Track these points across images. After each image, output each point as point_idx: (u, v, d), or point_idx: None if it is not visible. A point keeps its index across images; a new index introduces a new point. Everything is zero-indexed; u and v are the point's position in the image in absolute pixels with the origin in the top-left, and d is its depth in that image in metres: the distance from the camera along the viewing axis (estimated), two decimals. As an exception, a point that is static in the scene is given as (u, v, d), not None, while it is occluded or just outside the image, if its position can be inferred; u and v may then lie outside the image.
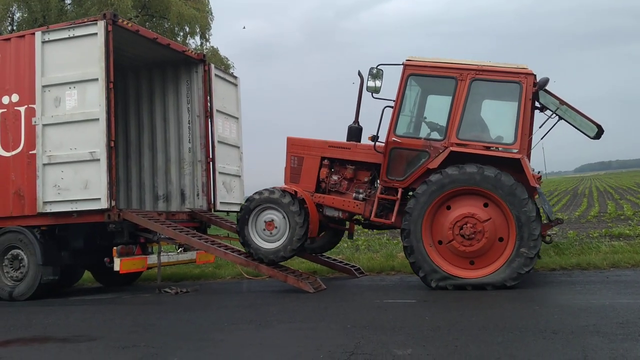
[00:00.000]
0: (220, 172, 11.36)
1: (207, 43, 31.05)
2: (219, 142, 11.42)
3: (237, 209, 10.58)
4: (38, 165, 9.51)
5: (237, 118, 12.17)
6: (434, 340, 5.20)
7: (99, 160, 9.19)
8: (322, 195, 9.28)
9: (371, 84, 8.69)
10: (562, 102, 8.53)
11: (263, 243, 9.01)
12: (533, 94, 8.26)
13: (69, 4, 27.49)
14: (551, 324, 5.51)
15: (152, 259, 9.89)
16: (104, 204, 9.17)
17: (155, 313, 8.06)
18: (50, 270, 9.71)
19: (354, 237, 11.14)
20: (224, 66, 29.74)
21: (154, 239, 9.87)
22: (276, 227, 8.94)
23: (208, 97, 11.50)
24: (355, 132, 9.32)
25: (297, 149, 9.57)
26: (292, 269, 9.41)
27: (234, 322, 6.78)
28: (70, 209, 9.42)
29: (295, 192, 8.97)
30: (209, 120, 11.42)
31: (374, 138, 8.78)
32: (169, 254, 10.67)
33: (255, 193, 9.25)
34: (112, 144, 9.26)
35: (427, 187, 8.13)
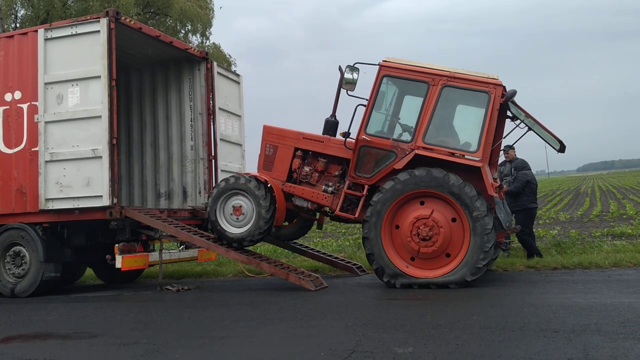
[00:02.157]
0: (222, 170, 11.39)
1: (208, 40, 31.08)
2: (221, 139, 11.44)
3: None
4: (40, 162, 9.54)
5: (239, 116, 12.18)
6: (435, 338, 5.19)
7: (101, 157, 9.21)
8: (293, 185, 9.46)
9: (348, 78, 8.80)
10: (527, 115, 8.73)
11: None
12: (502, 104, 8.46)
13: (72, 2, 27.50)
14: (552, 323, 5.50)
15: (154, 257, 9.91)
16: (105, 202, 9.19)
17: (157, 310, 8.06)
18: (52, 267, 9.74)
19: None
20: (226, 63, 29.74)
21: (156, 237, 9.88)
22: (243, 213, 9.19)
23: (210, 95, 11.51)
24: (331, 126, 9.46)
25: (272, 138, 9.75)
26: (293, 267, 9.42)
27: (235, 320, 6.78)
28: (72, 206, 9.44)
29: (263, 179, 9.18)
30: (212, 118, 11.44)
31: (345, 134, 9.02)
32: (171, 251, 10.68)
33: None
34: (115, 141, 9.28)
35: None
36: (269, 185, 9.22)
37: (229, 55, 32.08)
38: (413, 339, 5.20)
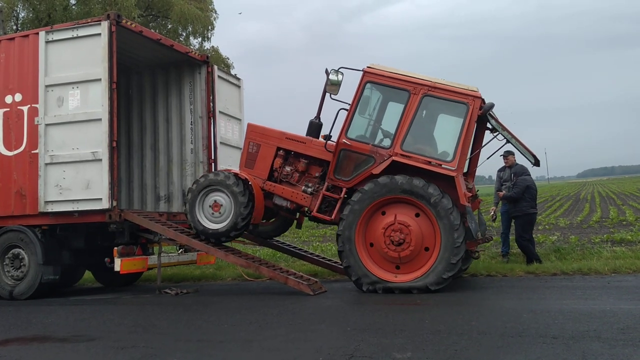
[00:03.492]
0: (222, 174, 11.36)
1: (208, 42, 31.12)
2: (221, 143, 11.45)
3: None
4: (40, 164, 9.54)
5: (239, 119, 12.20)
6: (433, 344, 5.19)
7: (101, 160, 9.21)
8: (273, 184, 9.54)
9: (333, 79, 8.87)
10: (504, 129, 8.87)
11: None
12: (479, 116, 8.63)
13: (74, 4, 27.57)
14: (551, 329, 5.49)
15: (153, 260, 9.91)
16: (105, 204, 9.19)
17: (155, 314, 8.06)
18: (50, 270, 9.74)
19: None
20: (225, 66, 29.76)
21: (155, 240, 9.89)
22: (222, 208, 9.25)
23: (211, 99, 11.52)
24: (315, 127, 9.54)
25: (255, 136, 9.84)
26: (292, 271, 9.41)
27: (233, 324, 6.78)
28: (71, 209, 9.44)
29: (243, 176, 9.28)
30: (212, 121, 11.44)
31: (327, 137, 9.14)
32: (170, 254, 10.68)
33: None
34: (115, 144, 9.28)
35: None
36: (248, 182, 9.29)
37: (227, 58, 32.13)
38: (412, 344, 5.19)
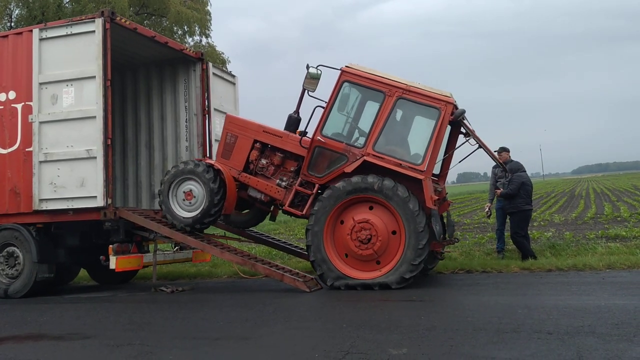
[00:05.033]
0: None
1: (205, 39, 31.06)
2: (216, 140, 11.41)
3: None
4: (34, 162, 9.50)
5: (234, 117, 12.15)
6: (429, 339, 5.19)
7: (95, 158, 9.19)
8: (248, 176, 9.63)
9: (313, 73, 8.97)
10: (474, 135, 9.03)
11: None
12: (451, 121, 8.81)
13: (67, 2, 27.45)
14: (546, 325, 5.51)
15: (148, 258, 9.90)
16: (100, 202, 9.17)
17: (151, 311, 8.04)
18: (45, 268, 9.71)
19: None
20: (221, 63, 29.71)
21: (150, 237, 9.86)
22: (194, 197, 9.37)
23: (206, 96, 11.49)
24: (293, 121, 9.62)
25: (233, 127, 9.90)
26: (288, 268, 9.41)
27: (229, 321, 6.77)
28: (66, 207, 9.41)
29: (217, 166, 9.38)
30: (207, 118, 11.42)
31: (302, 133, 9.28)
32: (165, 252, 10.67)
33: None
34: (109, 141, 9.25)
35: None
36: (219, 171, 9.36)
37: (222, 53, 32.06)
38: (407, 340, 5.20)
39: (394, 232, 8.52)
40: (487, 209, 12.13)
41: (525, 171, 11.10)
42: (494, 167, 11.48)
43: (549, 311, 6.18)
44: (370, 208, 8.65)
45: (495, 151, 11.30)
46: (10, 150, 9.82)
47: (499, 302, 7.13)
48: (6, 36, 10.16)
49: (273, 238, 11.57)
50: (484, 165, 9.86)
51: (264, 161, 9.58)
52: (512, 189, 10.66)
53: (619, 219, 17.69)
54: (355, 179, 8.60)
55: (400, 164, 8.61)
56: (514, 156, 11.37)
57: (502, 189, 10.94)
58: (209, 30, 30.93)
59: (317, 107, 9.18)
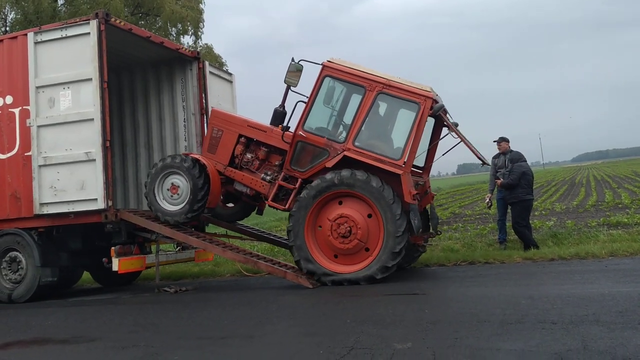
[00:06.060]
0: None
1: (200, 40, 31.01)
2: (214, 139, 11.39)
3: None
4: (34, 166, 9.49)
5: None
6: (433, 333, 5.20)
7: (94, 160, 9.17)
8: (233, 170, 9.70)
9: (295, 65, 8.91)
10: (454, 130, 9.03)
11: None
12: (431, 115, 8.81)
13: (62, 4, 27.37)
14: (550, 314, 5.51)
15: (151, 258, 9.90)
16: (100, 205, 9.15)
17: (155, 312, 8.05)
18: (48, 272, 9.71)
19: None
20: (218, 64, 29.67)
21: (152, 238, 9.87)
22: (179, 191, 9.47)
23: (203, 95, 11.47)
24: (279, 115, 9.60)
25: (219, 122, 9.97)
26: (291, 265, 9.41)
27: (233, 320, 6.78)
28: (67, 210, 9.40)
29: (202, 161, 9.44)
30: (205, 118, 11.39)
31: (284, 128, 9.30)
32: (168, 252, 10.67)
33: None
34: (108, 143, 9.23)
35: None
36: (204, 165, 9.42)
37: (220, 56, 32.02)
38: (412, 335, 5.20)
39: (369, 216, 8.56)
40: (487, 200, 12.12)
41: (525, 161, 11.08)
42: (494, 158, 11.46)
43: (552, 301, 6.18)
44: (340, 203, 8.72)
45: (494, 141, 11.27)
46: (9, 155, 9.81)
47: (502, 293, 7.13)
48: (1, 41, 10.12)
49: (275, 235, 11.58)
50: (484, 155, 9.81)
51: (249, 155, 9.66)
52: (513, 179, 10.65)
53: (620, 206, 17.67)
54: (315, 182, 8.71)
55: (380, 159, 8.63)
56: (514, 146, 11.35)
57: (502, 179, 10.93)
58: (200, 30, 30.88)
59: (298, 101, 9.21)
